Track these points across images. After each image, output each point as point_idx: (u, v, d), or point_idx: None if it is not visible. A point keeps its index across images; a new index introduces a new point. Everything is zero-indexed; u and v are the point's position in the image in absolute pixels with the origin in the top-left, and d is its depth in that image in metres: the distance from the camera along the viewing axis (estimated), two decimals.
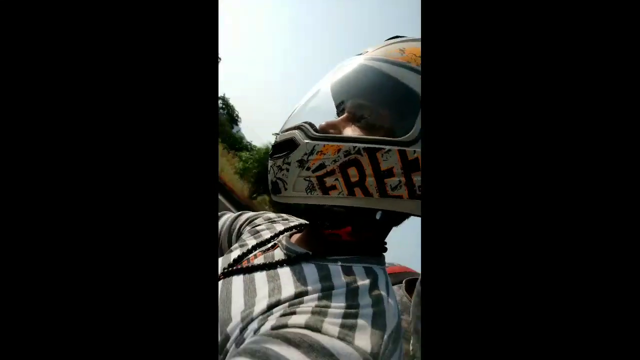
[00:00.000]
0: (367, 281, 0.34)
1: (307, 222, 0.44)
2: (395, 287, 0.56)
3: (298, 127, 0.36)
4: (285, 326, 0.27)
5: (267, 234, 0.46)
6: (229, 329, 0.30)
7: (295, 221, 0.51)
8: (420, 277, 0.50)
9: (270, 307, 0.31)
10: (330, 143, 0.34)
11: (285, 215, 0.53)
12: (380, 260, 0.39)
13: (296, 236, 0.43)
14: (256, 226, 0.49)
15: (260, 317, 0.30)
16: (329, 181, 0.34)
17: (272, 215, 0.52)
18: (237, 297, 0.34)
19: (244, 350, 0.25)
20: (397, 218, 0.41)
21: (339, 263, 0.36)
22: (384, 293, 0.33)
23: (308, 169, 0.34)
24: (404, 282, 0.55)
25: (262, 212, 0.53)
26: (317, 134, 0.35)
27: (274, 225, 0.49)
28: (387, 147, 0.33)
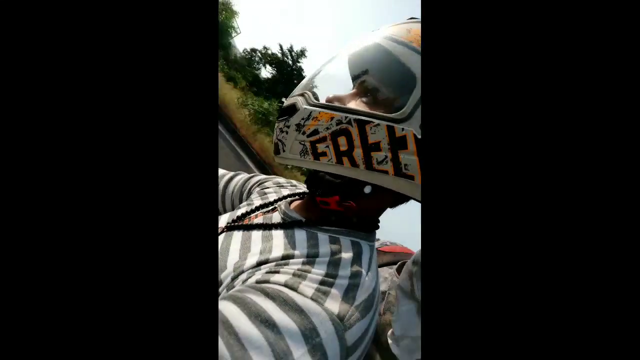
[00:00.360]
0: (350, 254, 0.36)
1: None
2: (386, 268, 0.58)
3: (302, 94, 0.39)
4: (268, 282, 0.31)
5: (272, 197, 0.50)
6: (222, 276, 0.35)
7: (302, 189, 0.54)
8: (412, 258, 0.51)
9: (259, 264, 0.34)
10: (325, 111, 0.36)
11: (294, 182, 0.57)
12: (370, 237, 0.41)
13: (296, 203, 0.47)
14: (265, 188, 0.53)
15: (250, 270, 0.34)
16: (321, 147, 0.37)
17: (281, 180, 0.56)
18: (234, 250, 0.38)
19: (229, 296, 0.29)
20: (393, 200, 0.42)
21: (328, 233, 0.38)
22: (363, 268, 0.36)
23: (304, 133, 0.37)
24: (397, 264, 0.56)
25: (273, 176, 0.57)
26: (316, 101, 0.37)
27: (281, 190, 0.53)
28: (377, 122, 0.34)
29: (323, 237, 0.38)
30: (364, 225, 0.41)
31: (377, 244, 0.66)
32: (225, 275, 0.35)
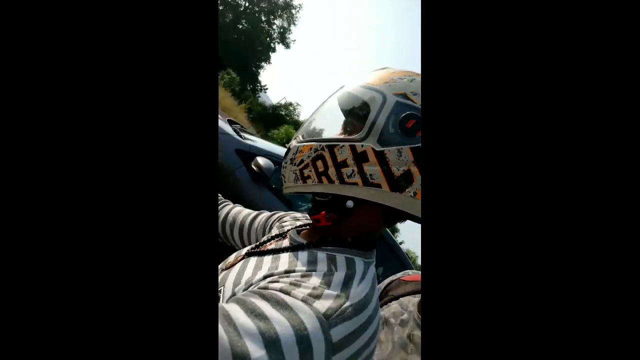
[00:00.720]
0: (344, 268, 0.42)
1: None
2: (409, 297, 0.58)
3: (295, 137, 0.51)
4: (267, 288, 0.38)
5: (287, 228, 0.59)
6: (236, 289, 0.43)
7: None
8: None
9: (265, 277, 0.42)
10: (306, 144, 0.47)
11: (309, 220, 0.65)
12: (367, 255, 0.46)
13: (304, 231, 0.55)
14: (283, 222, 0.63)
15: (257, 283, 0.42)
16: (306, 172, 0.46)
17: (298, 215, 0.65)
18: (248, 270, 0.46)
19: (233, 299, 0.37)
20: (385, 217, 0.48)
21: (326, 252, 0.45)
22: (356, 279, 0.40)
23: (294, 164, 0.48)
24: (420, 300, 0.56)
25: (292, 212, 0.67)
26: (302, 139, 0.49)
27: (296, 222, 0.62)
28: (341, 144, 0.43)
29: (321, 255, 0.44)
30: (360, 244, 0.47)
31: (399, 274, 0.66)
32: (238, 289, 0.43)
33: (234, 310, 0.33)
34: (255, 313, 0.32)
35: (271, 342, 0.30)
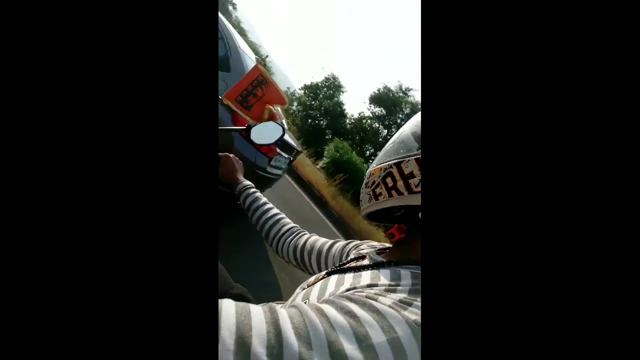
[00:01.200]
0: None
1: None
2: None
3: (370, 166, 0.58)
4: (353, 295, 0.40)
5: (365, 252, 0.61)
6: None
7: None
8: None
9: (348, 290, 0.44)
10: (377, 166, 0.53)
11: (386, 245, 0.65)
12: None
13: (383, 253, 0.57)
14: (360, 250, 0.65)
15: (342, 293, 0.44)
16: (377, 191, 0.51)
17: (375, 243, 0.66)
18: (331, 286, 0.50)
19: (323, 300, 0.40)
20: None
21: (410, 270, 0.45)
22: None
23: (368, 186, 0.54)
24: None
25: (367, 240, 0.68)
26: (375, 165, 0.55)
27: (372, 249, 0.63)
28: (407, 159, 0.48)
29: (405, 273, 0.44)
30: None
31: None
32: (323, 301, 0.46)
33: (326, 307, 0.35)
34: (345, 310, 0.34)
35: (362, 338, 0.31)
